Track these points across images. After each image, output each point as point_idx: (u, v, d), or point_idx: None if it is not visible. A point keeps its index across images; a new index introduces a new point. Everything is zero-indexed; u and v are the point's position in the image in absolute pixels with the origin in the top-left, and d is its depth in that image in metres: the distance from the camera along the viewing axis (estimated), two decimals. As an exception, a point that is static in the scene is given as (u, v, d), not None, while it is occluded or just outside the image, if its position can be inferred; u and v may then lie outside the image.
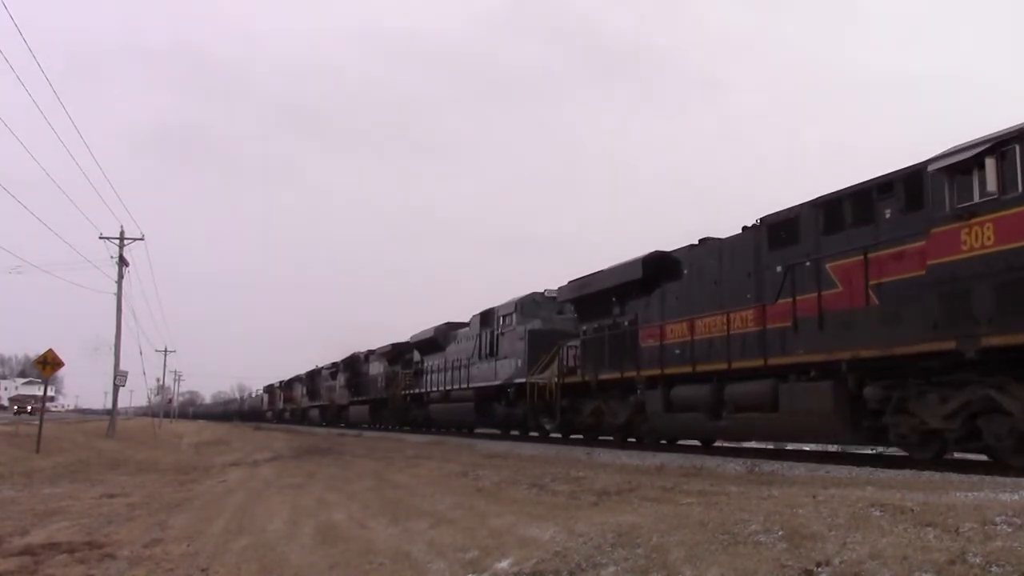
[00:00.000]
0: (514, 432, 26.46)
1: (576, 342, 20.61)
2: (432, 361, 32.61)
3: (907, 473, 10.29)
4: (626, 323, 18.41)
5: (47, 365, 24.69)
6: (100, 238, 37.59)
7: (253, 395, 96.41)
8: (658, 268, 17.45)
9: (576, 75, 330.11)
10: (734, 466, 12.29)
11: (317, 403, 56.10)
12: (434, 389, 31.70)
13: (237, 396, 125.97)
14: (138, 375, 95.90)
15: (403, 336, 44.34)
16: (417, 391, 34.25)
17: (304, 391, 61.85)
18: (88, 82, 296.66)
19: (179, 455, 28.34)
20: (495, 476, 12.24)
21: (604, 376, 18.78)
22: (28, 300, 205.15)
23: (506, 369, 24.87)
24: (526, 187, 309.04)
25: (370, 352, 43.98)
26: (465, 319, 32.94)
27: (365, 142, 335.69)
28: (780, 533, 5.74)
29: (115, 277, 37.90)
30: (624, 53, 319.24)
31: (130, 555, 8.43)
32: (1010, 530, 5.15)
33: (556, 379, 20.96)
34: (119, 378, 39.00)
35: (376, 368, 41.92)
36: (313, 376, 58.72)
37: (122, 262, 37.78)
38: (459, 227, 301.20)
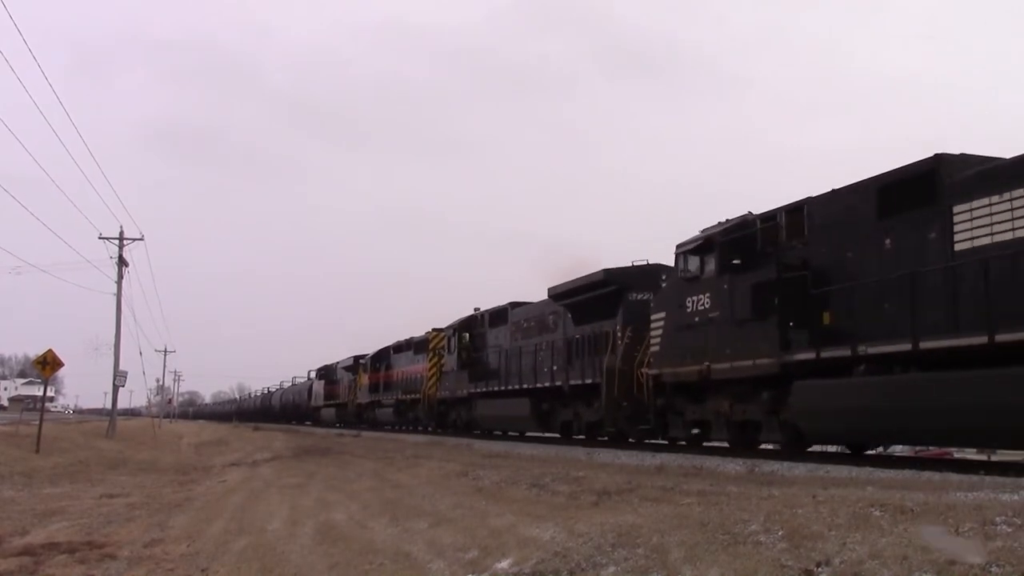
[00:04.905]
0: None
1: None
2: None
3: (907, 473, 10.28)
4: None
5: (47, 365, 24.69)
6: (100, 238, 37.64)
7: (292, 383, 66.93)
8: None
9: (585, 72, 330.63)
10: (734, 466, 12.28)
11: (486, 386, 25.46)
12: None
13: (237, 396, 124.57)
14: (138, 375, 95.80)
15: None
16: None
17: (441, 364, 29.78)
18: (89, 79, 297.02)
19: (179, 455, 28.36)
20: (495, 476, 12.24)
21: None
22: (28, 300, 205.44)
23: None
24: (531, 185, 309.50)
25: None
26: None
27: (366, 141, 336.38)
28: (780, 533, 5.74)
29: (115, 277, 37.93)
30: (634, 52, 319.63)
31: (130, 555, 8.43)
32: (1010, 530, 5.15)
33: None
34: (119, 378, 38.98)
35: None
36: (472, 326, 28.12)
37: (122, 262, 37.79)
38: (461, 226, 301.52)
